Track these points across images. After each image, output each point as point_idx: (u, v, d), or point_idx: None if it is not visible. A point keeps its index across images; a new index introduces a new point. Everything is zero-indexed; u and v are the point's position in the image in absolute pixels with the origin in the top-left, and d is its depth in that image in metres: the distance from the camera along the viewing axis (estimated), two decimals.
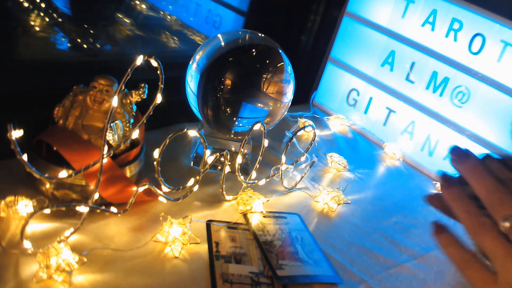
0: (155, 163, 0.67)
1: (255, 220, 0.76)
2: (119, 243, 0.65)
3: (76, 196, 0.68)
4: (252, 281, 0.64)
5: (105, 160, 0.64)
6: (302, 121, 1.14)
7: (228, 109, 0.82)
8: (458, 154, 0.38)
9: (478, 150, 1.01)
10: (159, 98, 0.66)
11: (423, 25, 1.09)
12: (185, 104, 0.86)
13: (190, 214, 0.72)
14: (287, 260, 0.69)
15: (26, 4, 1.02)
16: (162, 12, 1.36)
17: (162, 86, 0.65)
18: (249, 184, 0.81)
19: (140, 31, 1.24)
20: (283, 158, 0.83)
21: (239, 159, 0.77)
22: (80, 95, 0.69)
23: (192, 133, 0.70)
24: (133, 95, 0.72)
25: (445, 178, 0.40)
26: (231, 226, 0.74)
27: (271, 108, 0.84)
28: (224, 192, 0.78)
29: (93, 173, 0.64)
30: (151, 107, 0.66)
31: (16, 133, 0.56)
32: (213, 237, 0.70)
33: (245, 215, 0.77)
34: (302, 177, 0.89)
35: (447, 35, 1.05)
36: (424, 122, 1.10)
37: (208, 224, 0.73)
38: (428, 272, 0.76)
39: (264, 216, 0.78)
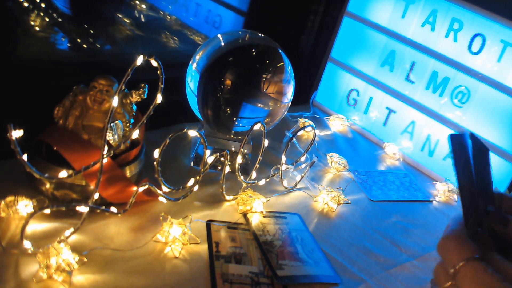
0: (155, 163, 0.67)
1: (255, 220, 0.76)
2: (119, 243, 0.65)
3: (76, 196, 0.68)
4: (252, 281, 0.64)
5: (105, 160, 0.65)
6: (302, 121, 1.14)
7: (228, 109, 0.82)
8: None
9: None
10: (159, 98, 0.66)
11: (423, 25, 1.09)
12: (185, 104, 0.86)
13: (190, 214, 0.72)
14: (287, 260, 0.69)
15: (26, 4, 1.02)
16: (162, 12, 1.36)
17: (162, 86, 0.65)
18: (249, 184, 0.81)
19: (140, 31, 1.24)
20: (283, 158, 0.83)
21: (239, 159, 0.77)
22: (80, 95, 0.69)
23: (192, 133, 0.70)
24: (133, 95, 0.72)
25: None
26: (231, 226, 0.74)
27: (271, 108, 0.84)
28: (224, 192, 0.78)
29: (93, 173, 0.64)
30: (151, 107, 0.66)
31: (16, 133, 0.56)
32: (213, 237, 0.70)
33: (245, 215, 0.77)
34: (302, 177, 0.89)
35: (447, 35, 1.05)
36: (424, 122, 1.10)
37: (208, 224, 0.73)
38: (428, 272, 0.76)
39: (264, 216, 0.78)
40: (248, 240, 0.72)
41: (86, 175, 0.65)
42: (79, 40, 1.09)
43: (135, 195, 0.68)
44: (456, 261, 0.39)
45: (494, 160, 0.99)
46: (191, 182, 0.74)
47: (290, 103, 0.88)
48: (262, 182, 0.84)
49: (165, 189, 0.71)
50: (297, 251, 0.72)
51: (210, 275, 0.63)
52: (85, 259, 0.59)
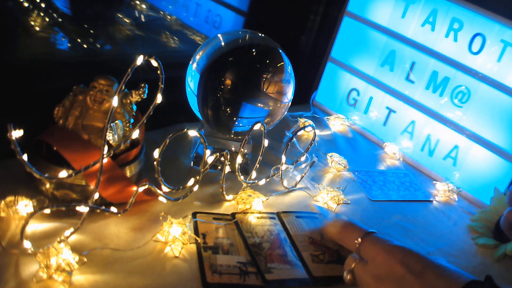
0: (155, 163, 0.67)
1: (245, 221, 0.75)
2: (119, 243, 0.65)
3: (76, 196, 0.68)
4: (241, 270, 0.64)
5: (105, 160, 0.65)
6: (302, 121, 1.14)
7: (228, 109, 0.82)
8: None
9: (478, 150, 1.01)
10: (159, 98, 0.66)
11: (423, 25, 1.09)
12: (185, 104, 0.86)
13: (190, 213, 0.72)
14: (276, 263, 0.67)
15: (26, 4, 1.02)
16: (162, 12, 1.37)
17: (162, 86, 0.66)
18: (249, 184, 0.81)
19: (140, 31, 1.24)
20: (283, 158, 0.83)
21: (239, 159, 0.77)
22: (80, 95, 0.69)
23: (192, 133, 0.70)
24: (133, 95, 0.72)
25: None
26: (217, 217, 0.74)
27: (271, 108, 0.84)
28: (224, 192, 0.78)
29: (93, 173, 0.64)
30: (151, 107, 0.66)
31: (16, 133, 0.56)
32: (200, 228, 0.70)
33: (234, 217, 0.75)
34: (302, 177, 0.89)
35: (447, 35, 1.05)
36: (424, 122, 1.10)
37: (194, 214, 0.73)
38: None
39: (255, 217, 0.77)
40: (234, 230, 0.72)
41: (86, 175, 0.65)
42: (79, 40, 1.09)
43: (135, 195, 0.68)
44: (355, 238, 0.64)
45: (494, 160, 0.99)
46: (191, 182, 0.74)
47: (290, 103, 0.88)
48: (262, 182, 0.84)
49: (165, 189, 0.71)
50: (286, 253, 0.70)
51: (199, 267, 0.63)
52: (85, 259, 0.59)
